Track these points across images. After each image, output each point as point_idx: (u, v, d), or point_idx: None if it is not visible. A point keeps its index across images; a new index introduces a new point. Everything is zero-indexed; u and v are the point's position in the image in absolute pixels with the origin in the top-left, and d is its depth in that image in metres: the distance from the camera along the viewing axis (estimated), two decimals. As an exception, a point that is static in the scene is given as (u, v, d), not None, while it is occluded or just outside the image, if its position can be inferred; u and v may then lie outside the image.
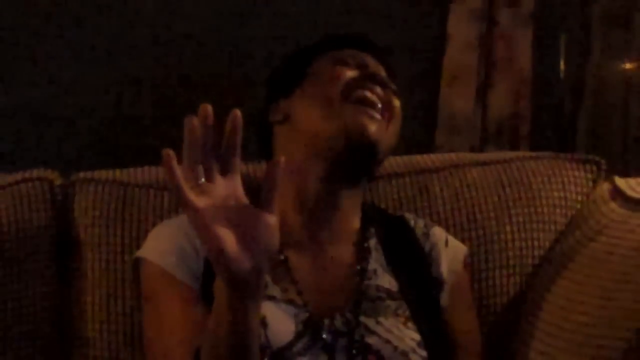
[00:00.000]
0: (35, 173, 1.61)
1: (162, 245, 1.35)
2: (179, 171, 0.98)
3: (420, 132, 2.10)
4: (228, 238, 1.00)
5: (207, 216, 1.00)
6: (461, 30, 2.08)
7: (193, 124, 0.99)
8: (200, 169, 1.01)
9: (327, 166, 1.37)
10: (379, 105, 1.38)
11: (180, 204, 1.00)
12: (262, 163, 1.58)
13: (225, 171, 1.03)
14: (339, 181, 1.39)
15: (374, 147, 1.36)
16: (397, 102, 1.42)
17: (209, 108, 1.00)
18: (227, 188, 1.03)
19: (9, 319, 1.51)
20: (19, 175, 1.60)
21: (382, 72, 1.45)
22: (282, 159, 1.05)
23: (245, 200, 1.04)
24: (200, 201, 1.00)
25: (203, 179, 1.01)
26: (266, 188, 1.04)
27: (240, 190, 1.04)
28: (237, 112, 1.02)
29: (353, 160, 1.37)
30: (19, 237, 1.54)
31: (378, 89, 1.39)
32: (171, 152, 0.97)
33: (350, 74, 1.40)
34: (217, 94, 1.97)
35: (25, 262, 1.54)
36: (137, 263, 1.39)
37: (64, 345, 1.56)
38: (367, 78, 1.40)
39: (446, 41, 2.09)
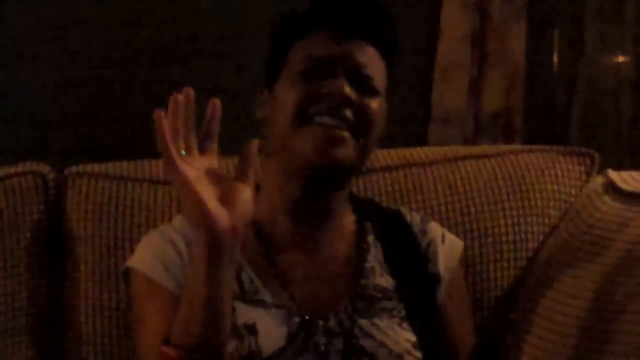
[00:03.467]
0: (27, 166, 1.60)
1: (148, 254, 1.35)
2: (168, 132, 1.06)
3: (413, 126, 2.10)
4: (208, 195, 1.08)
5: (190, 175, 1.07)
6: (454, 24, 2.08)
7: (177, 97, 1.07)
8: (182, 142, 1.08)
9: (301, 181, 1.32)
10: (340, 135, 1.29)
11: (165, 162, 1.07)
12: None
13: (203, 151, 1.11)
14: (318, 191, 1.35)
15: (339, 168, 1.30)
16: (373, 105, 1.32)
17: (191, 91, 1.09)
18: (206, 163, 1.10)
19: (2, 312, 1.50)
20: (11, 169, 1.60)
21: (366, 61, 1.33)
22: (256, 141, 1.13)
23: (221, 174, 1.12)
24: (182, 164, 1.07)
25: (184, 152, 1.08)
26: (241, 163, 1.12)
27: (217, 167, 1.12)
28: (217, 101, 1.11)
29: (323, 179, 1.32)
30: (11, 231, 1.54)
31: (345, 111, 1.29)
32: (162, 113, 1.06)
33: (311, 94, 1.29)
34: (210, 88, 1.97)
35: (18, 256, 1.53)
36: (127, 272, 1.39)
37: (56, 338, 1.55)
38: (332, 102, 1.29)
39: (439, 35, 2.09)
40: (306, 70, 1.32)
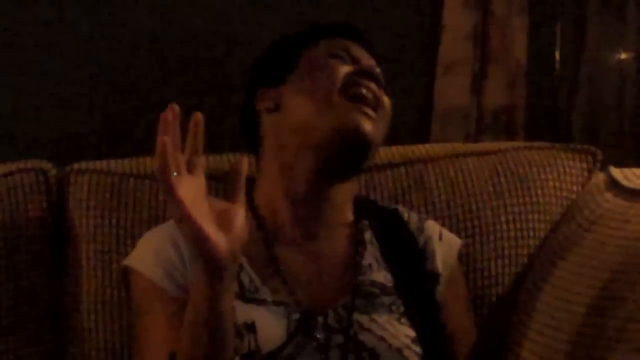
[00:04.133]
0: (30, 163, 1.61)
1: (150, 256, 1.35)
2: (170, 160, 1.04)
3: (415, 123, 2.10)
4: (206, 222, 1.08)
5: (188, 205, 1.06)
6: (456, 21, 2.08)
7: (167, 117, 1.06)
8: (172, 162, 1.07)
9: (318, 160, 1.35)
10: (374, 102, 1.36)
11: (166, 191, 1.06)
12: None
13: (190, 167, 1.11)
14: (329, 176, 1.37)
15: (367, 145, 1.34)
16: (386, 100, 1.39)
17: (176, 106, 1.08)
18: (196, 183, 1.10)
19: (4, 309, 1.51)
20: (13, 166, 1.60)
21: (375, 66, 1.42)
22: (246, 159, 1.14)
23: (208, 195, 1.12)
24: (179, 192, 1.06)
25: (175, 173, 1.06)
26: (232, 183, 1.13)
27: (204, 186, 1.12)
28: (199, 115, 1.11)
29: (344, 157, 1.35)
30: (14, 228, 1.54)
31: (373, 85, 1.37)
32: (167, 140, 1.04)
33: (346, 69, 1.38)
34: (209, 85, 1.97)
35: (20, 253, 1.53)
36: (126, 270, 1.39)
37: (58, 334, 1.55)
38: (363, 74, 1.38)
39: (441, 31, 2.09)
40: (334, 54, 1.40)
